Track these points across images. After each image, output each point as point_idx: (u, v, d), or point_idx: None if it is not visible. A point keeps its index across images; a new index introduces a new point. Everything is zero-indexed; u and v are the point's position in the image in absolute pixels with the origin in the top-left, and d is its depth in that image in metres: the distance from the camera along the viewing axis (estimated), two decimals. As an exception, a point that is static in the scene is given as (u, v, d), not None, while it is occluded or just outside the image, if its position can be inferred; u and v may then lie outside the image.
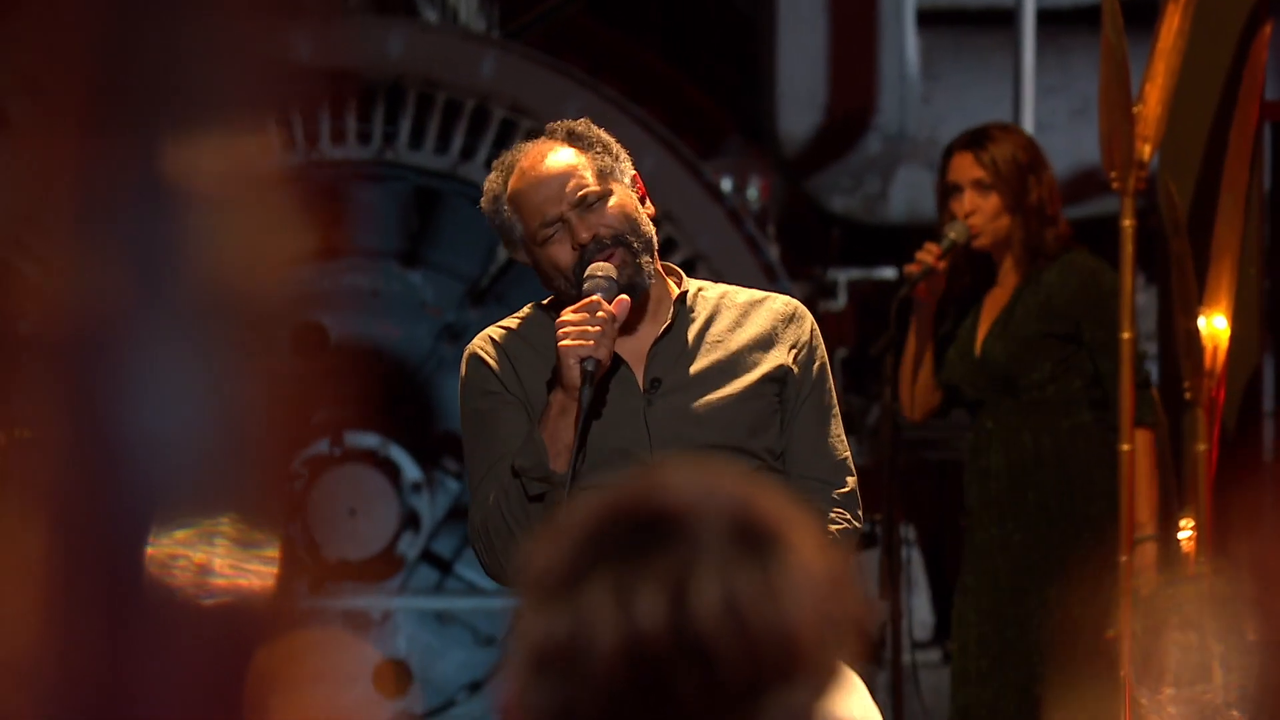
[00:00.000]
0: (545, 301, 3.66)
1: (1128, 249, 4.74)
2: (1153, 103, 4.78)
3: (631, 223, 3.54)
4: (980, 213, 5.19)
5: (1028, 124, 8.08)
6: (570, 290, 3.53)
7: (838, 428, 3.63)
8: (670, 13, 9.83)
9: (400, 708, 7.55)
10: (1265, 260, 5.27)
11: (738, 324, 3.62)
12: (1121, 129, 4.75)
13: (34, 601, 1.50)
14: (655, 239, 3.59)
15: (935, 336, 5.32)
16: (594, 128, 3.62)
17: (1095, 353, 5.13)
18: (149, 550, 1.50)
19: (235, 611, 1.53)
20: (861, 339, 8.01)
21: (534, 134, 3.71)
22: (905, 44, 9.39)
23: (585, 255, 3.52)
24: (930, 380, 5.32)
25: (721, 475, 1.67)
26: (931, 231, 5.29)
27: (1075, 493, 5.12)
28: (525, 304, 3.70)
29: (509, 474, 3.50)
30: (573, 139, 3.59)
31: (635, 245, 3.53)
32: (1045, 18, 8.64)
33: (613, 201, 3.55)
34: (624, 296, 3.49)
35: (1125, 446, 4.76)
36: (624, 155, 3.62)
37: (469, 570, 7.75)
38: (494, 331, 3.64)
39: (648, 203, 3.62)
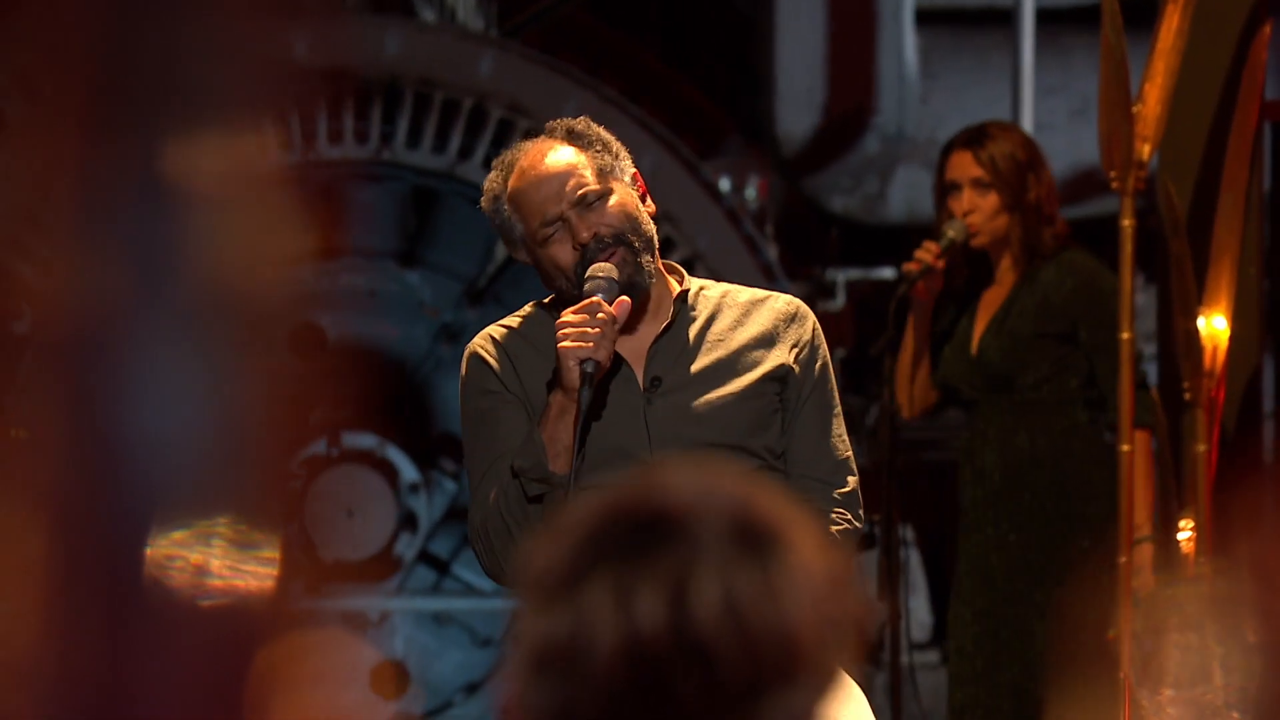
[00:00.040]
0: (546, 300, 3.65)
1: (1127, 249, 4.74)
2: (1152, 103, 4.78)
3: (632, 221, 3.53)
4: (978, 211, 5.19)
5: (1027, 124, 8.07)
6: (571, 290, 3.52)
7: (839, 427, 3.62)
8: (669, 12, 9.83)
9: (398, 709, 7.54)
10: (1265, 260, 5.27)
11: (739, 323, 3.61)
12: (1121, 129, 4.75)
13: (34, 601, 1.50)
14: (656, 237, 3.58)
15: (932, 334, 5.32)
16: (594, 126, 3.60)
17: (1091, 353, 5.13)
18: (147, 551, 1.50)
19: (233, 612, 1.53)
20: (860, 339, 8.00)
21: (532, 133, 3.70)
22: (904, 44, 9.39)
23: (586, 254, 3.50)
24: (927, 379, 5.31)
25: (721, 475, 1.66)
26: (930, 231, 5.29)
27: (1071, 493, 5.12)
28: (523, 304, 3.69)
29: (509, 474, 3.50)
30: (572, 137, 3.58)
31: (636, 244, 3.52)
32: (1044, 17, 8.63)
33: (613, 200, 3.53)
34: (625, 298, 3.48)
35: (1125, 447, 4.75)
36: (624, 153, 3.61)
37: (466, 571, 7.74)
38: (495, 330, 3.63)
39: (648, 201, 3.60)
